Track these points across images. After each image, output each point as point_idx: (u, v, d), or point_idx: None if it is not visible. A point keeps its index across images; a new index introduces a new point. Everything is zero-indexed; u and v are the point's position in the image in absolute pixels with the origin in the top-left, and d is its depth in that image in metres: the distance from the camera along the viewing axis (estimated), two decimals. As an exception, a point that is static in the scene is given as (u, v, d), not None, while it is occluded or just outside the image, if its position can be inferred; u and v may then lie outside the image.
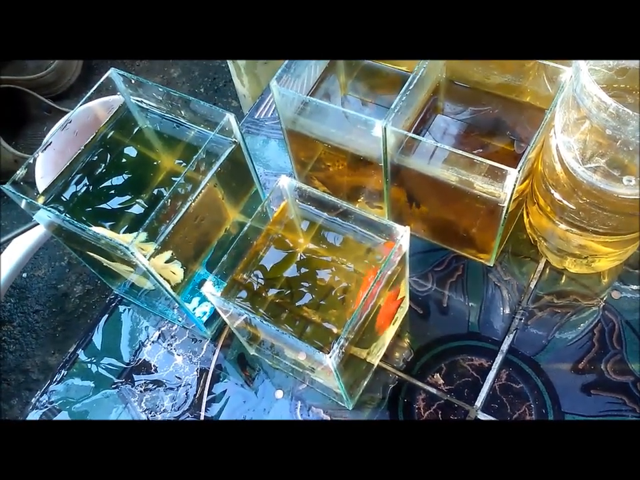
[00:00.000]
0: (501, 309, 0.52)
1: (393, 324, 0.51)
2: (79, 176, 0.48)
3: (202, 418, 0.51)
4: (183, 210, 0.43)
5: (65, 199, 0.47)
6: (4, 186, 0.43)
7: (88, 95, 0.47)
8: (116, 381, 0.54)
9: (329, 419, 0.50)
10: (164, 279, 0.44)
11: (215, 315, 0.53)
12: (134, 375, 0.54)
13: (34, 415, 0.53)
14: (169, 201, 0.42)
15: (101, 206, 0.47)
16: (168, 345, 0.55)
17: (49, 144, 0.46)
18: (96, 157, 0.49)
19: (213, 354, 0.54)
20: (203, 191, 0.44)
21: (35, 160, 0.45)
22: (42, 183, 0.47)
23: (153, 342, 0.55)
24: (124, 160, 0.49)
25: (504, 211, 0.45)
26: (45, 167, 0.48)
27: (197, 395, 0.52)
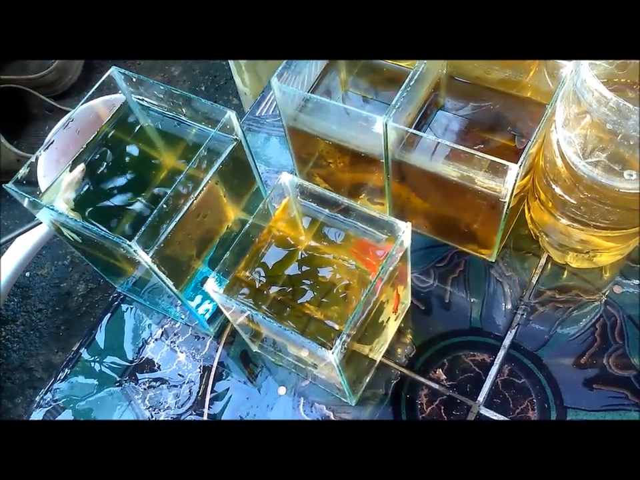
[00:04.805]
0: (503, 304, 0.53)
1: (395, 320, 0.52)
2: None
3: (205, 415, 0.52)
4: (185, 208, 0.43)
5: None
6: (7, 185, 0.44)
7: (89, 93, 0.47)
8: (119, 378, 0.54)
9: (331, 415, 0.50)
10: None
11: (217, 312, 0.53)
12: (137, 373, 0.54)
13: (38, 413, 0.54)
14: (171, 199, 0.42)
15: (103, 204, 0.47)
16: (171, 342, 0.55)
17: (51, 143, 0.46)
18: (98, 156, 0.49)
19: (216, 351, 0.54)
20: (204, 188, 0.44)
21: (37, 159, 0.45)
22: (44, 181, 0.47)
23: (156, 340, 0.56)
24: (126, 158, 0.49)
25: (505, 207, 0.45)
26: (47, 165, 0.48)
27: (200, 392, 0.53)
